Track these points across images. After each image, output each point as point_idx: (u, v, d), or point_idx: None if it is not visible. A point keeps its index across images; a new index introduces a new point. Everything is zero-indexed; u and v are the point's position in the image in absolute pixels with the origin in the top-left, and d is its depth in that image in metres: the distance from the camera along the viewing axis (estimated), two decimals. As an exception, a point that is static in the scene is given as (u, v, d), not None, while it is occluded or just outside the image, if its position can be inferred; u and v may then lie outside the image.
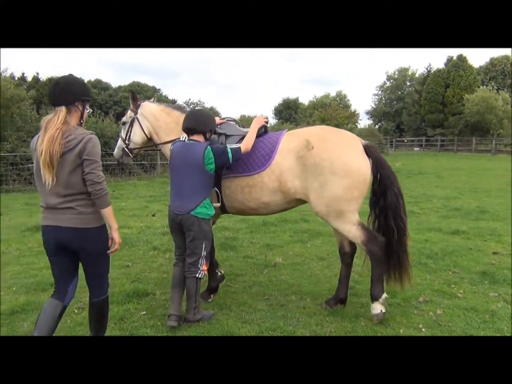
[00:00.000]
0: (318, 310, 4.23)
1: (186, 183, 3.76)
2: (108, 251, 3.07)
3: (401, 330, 3.76)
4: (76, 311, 4.22)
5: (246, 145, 3.91)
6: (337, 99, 58.62)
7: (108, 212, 2.95)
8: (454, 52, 43.58)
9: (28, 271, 5.47)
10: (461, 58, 42.31)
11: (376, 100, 62.13)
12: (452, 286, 4.88)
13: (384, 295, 3.97)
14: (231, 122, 4.49)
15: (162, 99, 53.41)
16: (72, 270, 3.10)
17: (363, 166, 3.86)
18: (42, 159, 2.74)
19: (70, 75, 3.03)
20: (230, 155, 3.78)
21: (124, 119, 4.63)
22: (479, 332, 3.70)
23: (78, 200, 2.89)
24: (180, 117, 4.40)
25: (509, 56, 47.45)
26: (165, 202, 11.57)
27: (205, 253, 3.88)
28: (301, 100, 63.29)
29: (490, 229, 7.76)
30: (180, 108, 4.65)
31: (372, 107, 61.70)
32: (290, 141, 4.00)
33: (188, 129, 3.87)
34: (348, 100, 59.55)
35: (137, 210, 10.18)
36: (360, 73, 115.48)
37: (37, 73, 54.33)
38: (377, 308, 3.91)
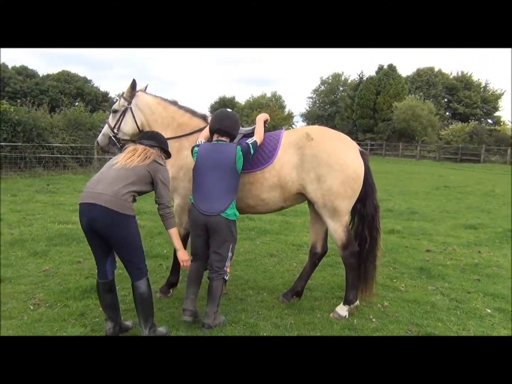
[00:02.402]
0: (276, 303, 4.43)
1: (217, 184, 3.70)
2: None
3: (354, 321, 4.04)
4: (31, 307, 4.10)
5: (259, 137, 3.97)
6: (273, 99, 59.65)
7: (173, 233, 3.61)
8: (387, 60, 45.63)
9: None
10: (391, 68, 44.69)
11: (310, 103, 63.98)
12: (394, 280, 5.29)
13: (357, 303, 4.23)
14: None
15: (93, 91, 51.55)
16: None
17: (358, 165, 4.01)
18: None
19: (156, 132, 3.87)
20: (252, 150, 3.81)
21: (115, 106, 4.41)
22: (423, 322, 4.08)
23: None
24: (177, 112, 4.36)
25: (434, 68, 50.89)
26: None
27: (231, 254, 3.83)
28: (237, 99, 63.64)
29: (421, 229, 8.41)
30: (176, 104, 4.50)
31: (307, 110, 63.42)
32: (290, 135, 4.11)
33: (221, 131, 3.82)
34: (283, 101, 60.88)
35: (77, 205, 9.78)
36: (295, 76, 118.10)
37: (-45, 55, 50.23)
38: (344, 310, 4.15)
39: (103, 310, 3.59)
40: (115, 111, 4.41)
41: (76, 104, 24.30)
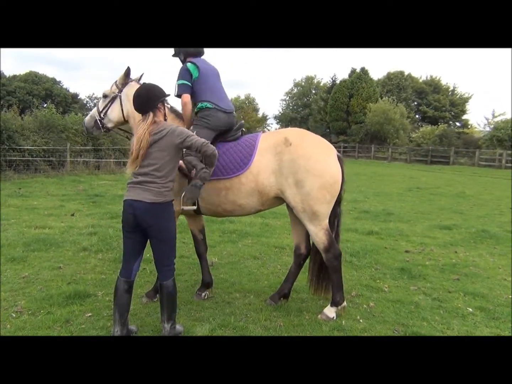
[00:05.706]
0: (263, 306, 4.44)
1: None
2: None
3: (343, 322, 4.09)
4: (14, 315, 3.98)
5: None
6: (246, 102, 59.69)
7: None
8: (359, 63, 46.21)
9: None
10: (363, 71, 45.35)
11: (284, 105, 64.29)
12: (377, 281, 5.38)
13: (344, 304, 4.26)
14: None
15: (63, 92, 50.33)
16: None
17: (336, 170, 4.05)
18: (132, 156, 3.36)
19: (144, 84, 3.55)
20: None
21: (106, 91, 4.37)
22: (408, 321, 4.16)
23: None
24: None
25: (404, 72, 51.96)
26: (81, 201, 11.01)
27: None
28: (211, 101, 63.15)
29: (398, 230, 8.57)
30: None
31: (280, 112, 63.72)
32: (267, 139, 4.11)
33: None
34: (257, 104, 60.97)
35: (52, 209, 9.58)
36: (267, 78, 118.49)
37: None
38: (332, 312, 4.18)
39: (114, 312, 3.52)
40: (105, 96, 4.39)
41: (45, 105, 23.70)
